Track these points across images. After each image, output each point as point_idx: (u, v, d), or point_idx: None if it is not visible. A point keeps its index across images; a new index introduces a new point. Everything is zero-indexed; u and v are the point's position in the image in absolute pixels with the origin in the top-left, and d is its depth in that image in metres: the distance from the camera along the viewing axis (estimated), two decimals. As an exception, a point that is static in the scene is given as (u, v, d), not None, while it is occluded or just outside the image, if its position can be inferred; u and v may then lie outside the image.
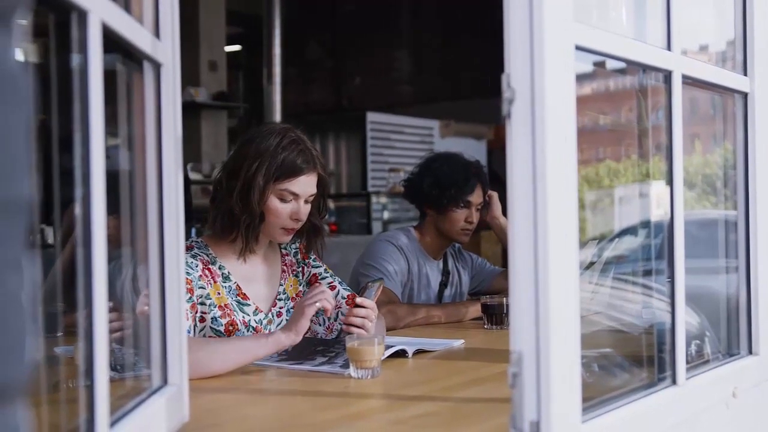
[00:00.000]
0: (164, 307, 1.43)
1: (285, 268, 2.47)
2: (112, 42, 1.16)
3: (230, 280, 2.32)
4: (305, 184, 2.30)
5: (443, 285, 3.26)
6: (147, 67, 1.40)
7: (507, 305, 2.76)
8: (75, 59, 1.06)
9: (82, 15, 1.04)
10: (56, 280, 2.00)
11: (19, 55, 0.64)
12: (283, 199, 2.28)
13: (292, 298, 2.45)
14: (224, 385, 1.95)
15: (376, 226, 7.71)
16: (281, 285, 2.44)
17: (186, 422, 1.49)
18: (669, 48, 1.59)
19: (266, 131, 2.32)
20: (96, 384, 1.05)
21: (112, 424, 1.13)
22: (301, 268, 2.51)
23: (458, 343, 2.46)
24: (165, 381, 1.43)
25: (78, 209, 1.06)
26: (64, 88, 1.07)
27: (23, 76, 0.64)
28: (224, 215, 2.29)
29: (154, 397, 1.37)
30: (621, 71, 1.80)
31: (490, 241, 6.83)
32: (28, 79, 0.64)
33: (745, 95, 1.91)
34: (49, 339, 1.59)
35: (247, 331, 2.29)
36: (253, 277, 2.38)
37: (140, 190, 1.42)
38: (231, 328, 2.26)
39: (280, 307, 2.42)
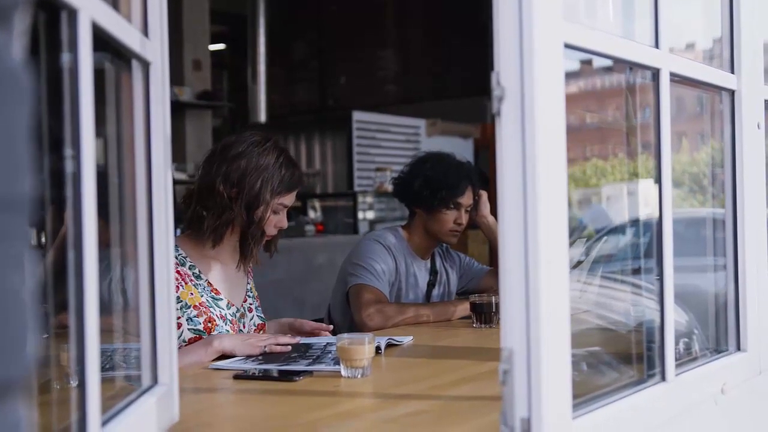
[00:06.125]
0: (154, 307, 1.43)
1: (249, 270, 2.60)
2: (101, 40, 1.15)
3: (201, 279, 2.40)
4: (294, 197, 2.48)
5: (431, 284, 3.26)
6: (135, 66, 1.39)
7: (495, 304, 2.77)
8: (64, 58, 1.06)
9: (72, 13, 1.03)
10: (43, 281, 2.00)
11: (19, 54, 0.64)
12: (275, 212, 2.42)
13: (256, 297, 2.60)
14: (214, 385, 1.94)
15: (363, 226, 7.70)
16: (248, 284, 2.57)
17: (176, 422, 1.49)
18: (657, 46, 1.60)
19: (255, 143, 2.40)
20: (87, 384, 1.05)
21: (104, 423, 1.13)
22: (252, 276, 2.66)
23: (407, 340, 2.48)
24: (155, 381, 1.43)
25: (68, 210, 1.05)
26: (53, 87, 1.07)
27: (24, 74, 0.64)
28: (225, 224, 2.38)
29: (145, 396, 1.36)
30: (608, 69, 1.80)
31: (477, 240, 6.84)
32: (28, 78, 0.65)
33: (732, 92, 1.92)
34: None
35: (225, 324, 2.38)
36: (224, 276, 2.47)
37: (129, 190, 1.41)
38: (209, 324, 2.34)
39: (250, 303, 2.55)
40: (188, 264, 2.39)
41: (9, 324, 0.61)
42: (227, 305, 2.42)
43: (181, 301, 2.30)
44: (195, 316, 2.31)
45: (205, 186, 2.38)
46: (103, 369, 1.15)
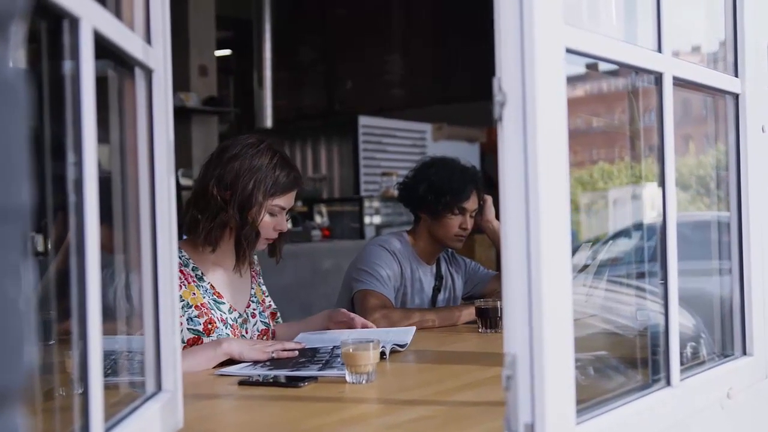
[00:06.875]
0: (158, 313, 1.43)
1: (253, 274, 2.60)
2: (103, 48, 1.16)
3: (204, 281, 2.40)
4: (292, 199, 2.46)
5: (437, 289, 3.25)
6: (138, 74, 1.40)
7: (501, 308, 2.76)
8: (67, 66, 1.06)
9: (74, 22, 1.04)
10: (49, 288, 2.00)
11: (16, 63, 0.65)
12: (272, 214, 2.41)
13: (261, 302, 2.58)
14: (218, 392, 1.94)
15: (369, 231, 7.69)
16: (252, 289, 2.57)
17: (180, 429, 1.49)
18: (660, 50, 1.59)
19: (249, 145, 2.40)
20: (90, 391, 1.05)
21: (107, 430, 1.13)
22: (261, 279, 2.65)
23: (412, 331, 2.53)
24: (159, 387, 1.43)
25: (71, 217, 1.06)
26: (55, 95, 1.07)
27: (21, 83, 0.64)
28: (219, 227, 2.37)
29: (149, 403, 1.37)
30: (613, 73, 1.80)
31: (484, 245, 6.83)
32: (25, 87, 0.65)
33: (736, 96, 1.91)
34: (41, 347, 1.58)
35: (225, 328, 2.38)
36: (227, 280, 2.47)
37: (132, 196, 1.41)
38: (210, 326, 2.35)
39: (253, 309, 2.54)
40: (191, 265, 2.39)
41: (6, 333, 0.61)
42: (229, 309, 2.42)
43: (183, 300, 2.31)
44: (196, 317, 2.32)
45: (200, 189, 2.39)
46: (106, 374, 1.15)
